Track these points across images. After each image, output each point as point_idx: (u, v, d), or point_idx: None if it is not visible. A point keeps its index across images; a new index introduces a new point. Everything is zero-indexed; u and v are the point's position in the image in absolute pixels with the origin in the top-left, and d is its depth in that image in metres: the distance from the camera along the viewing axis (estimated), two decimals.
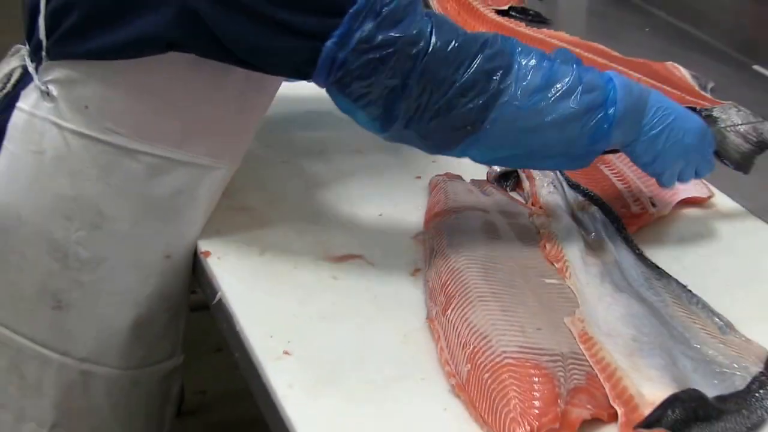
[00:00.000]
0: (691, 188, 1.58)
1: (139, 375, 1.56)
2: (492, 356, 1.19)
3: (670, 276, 1.40)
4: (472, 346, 1.21)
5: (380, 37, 1.27)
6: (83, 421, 1.57)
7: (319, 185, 1.64)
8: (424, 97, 1.29)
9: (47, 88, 1.42)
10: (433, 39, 1.28)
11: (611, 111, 1.34)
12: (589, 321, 1.27)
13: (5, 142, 1.46)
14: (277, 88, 1.51)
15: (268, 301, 1.36)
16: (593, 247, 1.42)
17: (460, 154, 1.37)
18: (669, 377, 1.18)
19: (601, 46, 2.08)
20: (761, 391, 1.19)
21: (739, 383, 1.19)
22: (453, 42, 1.29)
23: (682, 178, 1.46)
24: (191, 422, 2.73)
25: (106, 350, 1.52)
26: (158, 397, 1.62)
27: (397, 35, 1.27)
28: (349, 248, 1.47)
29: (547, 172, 1.53)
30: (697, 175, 1.48)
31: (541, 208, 1.52)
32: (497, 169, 1.60)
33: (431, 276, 1.38)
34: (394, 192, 1.61)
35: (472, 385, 1.18)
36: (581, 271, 1.37)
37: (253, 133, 1.53)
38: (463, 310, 1.27)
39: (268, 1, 1.27)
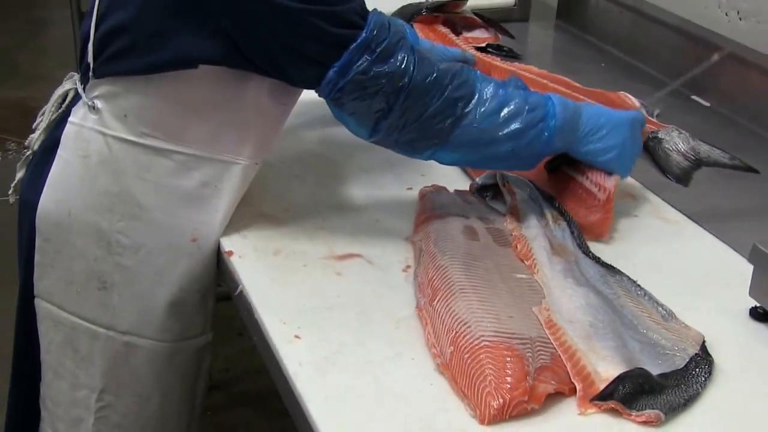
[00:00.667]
0: None
1: (176, 348, 1.56)
2: (471, 340, 1.19)
3: (622, 273, 1.39)
4: (454, 332, 1.21)
5: (374, 70, 1.34)
6: (127, 388, 1.57)
7: (325, 195, 1.63)
8: (403, 119, 1.37)
9: (93, 102, 1.45)
10: (415, 73, 1.35)
11: (552, 123, 1.43)
12: (554, 310, 1.27)
13: (59, 151, 1.48)
14: (296, 99, 1.51)
15: (281, 293, 1.36)
16: (557, 249, 1.42)
17: (428, 158, 1.46)
18: (620, 357, 1.18)
19: (565, 78, 2.08)
20: (697, 369, 1.19)
21: (679, 362, 1.20)
22: (429, 76, 1.37)
23: (633, 162, 1.54)
24: (217, 395, 2.73)
25: (146, 325, 1.52)
26: (192, 370, 1.61)
27: (387, 70, 1.34)
28: (351, 248, 1.47)
29: (525, 186, 1.54)
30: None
31: (513, 215, 1.52)
32: (479, 181, 1.60)
33: (420, 272, 1.38)
34: (389, 201, 1.61)
35: (454, 364, 1.18)
36: (547, 267, 1.37)
37: (274, 135, 1.52)
38: (447, 301, 1.27)
39: (287, 27, 1.32)
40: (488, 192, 1.59)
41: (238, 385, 2.83)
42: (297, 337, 1.26)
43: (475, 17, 2.36)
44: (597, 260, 1.41)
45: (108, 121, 1.44)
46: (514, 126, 1.41)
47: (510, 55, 2.25)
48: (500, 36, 2.34)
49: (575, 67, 2.22)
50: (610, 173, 1.51)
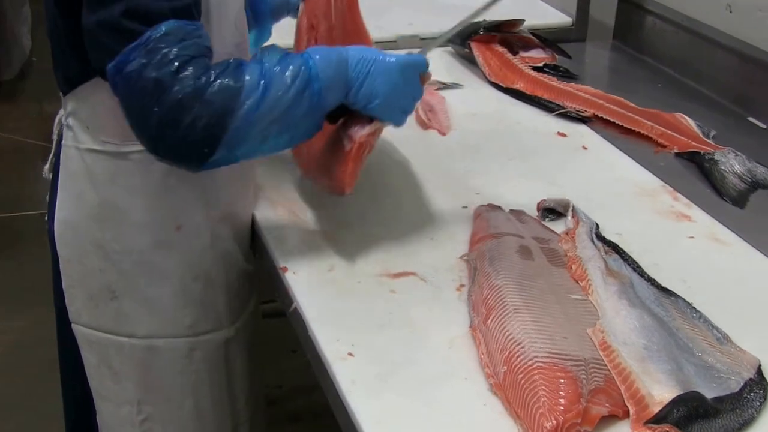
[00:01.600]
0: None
1: (194, 342, 1.57)
2: (525, 360, 1.19)
3: (677, 294, 1.39)
4: (508, 351, 1.21)
5: (152, 74, 1.25)
6: (160, 394, 1.59)
7: (380, 213, 1.64)
8: (170, 130, 1.29)
9: (66, 120, 1.49)
10: (177, 86, 1.26)
11: (316, 87, 1.35)
12: (608, 331, 1.26)
13: (60, 172, 1.52)
14: None
15: (335, 310, 1.37)
16: (612, 270, 1.42)
17: (207, 168, 1.35)
18: (675, 380, 1.17)
19: (621, 99, 2.07)
20: (752, 394, 1.18)
21: (734, 386, 1.19)
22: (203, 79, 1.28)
23: (406, 110, 1.47)
24: (270, 411, 2.73)
25: (160, 324, 1.55)
26: (219, 366, 1.62)
27: (156, 76, 1.26)
28: (405, 267, 1.47)
29: (592, 223, 1.55)
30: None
31: (568, 234, 1.52)
32: (546, 204, 1.61)
33: (474, 291, 1.38)
34: (444, 219, 1.61)
35: (507, 385, 1.18)
36: (602, 288, 1.36)
37: None
38: (501, 320, 1.27)
39: (94, 13, 1.29)
40: (552, 216, 1.60)
41: (291, 401, 2.83)
42: (350, 354, 1.26)
43: (532, 37, 2.36)
44: (652, 282, 1.41)
45: (79, 135, 1.48)
46: (285, 104, 1.33)
47: (566, 75, 2.25)
48: (557, 56, 2.34)
49: (631, 87, 2.21)
50: (368, 122, 1.44)
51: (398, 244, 1.53)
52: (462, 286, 1.43)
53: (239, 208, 1.60)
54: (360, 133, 1.44)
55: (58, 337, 1.67)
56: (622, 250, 1.49)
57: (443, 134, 1.97)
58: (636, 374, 1.18)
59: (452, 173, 1.78)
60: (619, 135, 1.97)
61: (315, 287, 1.42)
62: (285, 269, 1.47)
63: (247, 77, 1.31)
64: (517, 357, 1.19)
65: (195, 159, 1.32)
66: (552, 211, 1.62)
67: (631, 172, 1.82)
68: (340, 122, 1.48)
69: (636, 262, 1.46)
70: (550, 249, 1.48)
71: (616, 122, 2.00)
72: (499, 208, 1.63)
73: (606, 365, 1.20)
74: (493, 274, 1.38)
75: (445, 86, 2.21)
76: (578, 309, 1.32)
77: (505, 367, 1.19)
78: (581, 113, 2.04)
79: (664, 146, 1.91)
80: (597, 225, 1.55)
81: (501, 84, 2.21)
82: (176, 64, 1.26)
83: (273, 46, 1.40)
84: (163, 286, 1.53)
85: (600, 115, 2.03)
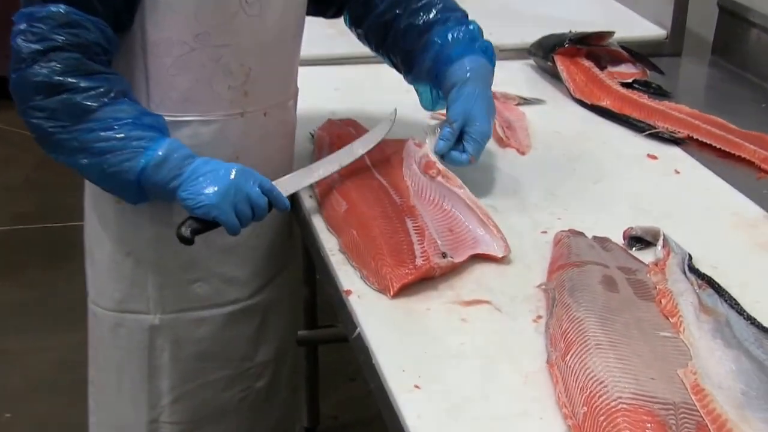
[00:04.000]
0: (488, 245, 1.55)
1: (120, 318, 1.74)
2: (607, 401, 1.17)
3: None
4: (589, 391, 1.19)
5: (21, 45, 1.45)
6: (96, 360, 1.83)
7: None
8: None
9: None
10: (32, 69, 1.45)
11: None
12: (701, 373, 1.23)
13: None
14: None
15: (402, 338, 1.36)
16: (706, 306, 1.39)
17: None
18: None
19: (719, 119, 2.04)
20: None
21: None
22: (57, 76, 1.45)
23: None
24: None
25: (101, 291, 1.76)
26: (141, 353, 1.75)
27: (22, 48, 1.45)
28: (478, 294, 1.46)
29: (685, 254, 1.52)
30: None
31: (657, 265, 1.49)
32: (634, 232, 1.59)
33: (552, 323, 1.36)
34: (521, 245, 1.59)
35: (588, 427, 1.16)
36: (695, 326, 1.34)
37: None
38: (581, 356, 1.26)
39: None
40: (639, 244, 1.59)
41: None
42: (417, 386, 1.25)
43: (621, 51, 2.35)
44: (751, 320, 1.37)
45: None
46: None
47: (659, 92, 2.23)
48: (648, 72, 2.32)
49: (732, 108, 2.18)
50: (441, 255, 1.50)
51: (471, 270, 1.52)
52: (539, 317, 1.41)
53: None
54: (436, 261, 1.47)
55: None
56: (718, 284, 1.46)
57: (522, 153, 1.96)
58: (733, 422, 1.15)
59: (531, 196, 1.77)
60: (716, 159, 1.95)
61: (380, 313, 1.42)
62: (349, 292, 1.46)
63: (98, 113, 1.46)
64: (599, 397, 1.17)
65: (36, 140, 1.50)
66: (640, 239, 1.60)
67: (729, 199, 1.80)
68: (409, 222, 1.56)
69: (734, 299, 1.43)
70: (637, 280, 1.46)
71: (714, 145, 1.98)
72: (581, 234, 1.61)
73: (698, 410, 1.17)
74: (574, 305, 1.36)
75: (526, 102, 2.20)
76: (667, 347, 1.30)
77: (585, 408, 1.17)
78: (674, 134, 2.02)
79: (767, 172, 1.88)
80: (690, 256, 1.53)
81: (586, 101, 2.20)
82: (40, 47, 1.44)
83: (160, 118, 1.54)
84: (102, 252, 1.73)
85: (695, 137, 2.01)
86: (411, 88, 1.85)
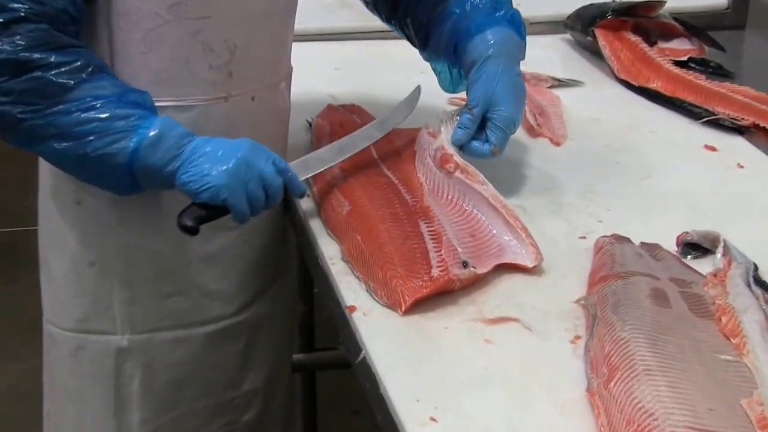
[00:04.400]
0: (516, 252, 1.57)
1: (81, 340, 1.75)
2: None
3: None
4: (636, 424, 1.19)
5: None
6: (54, 391, 1.84)
7: None
8: None
9: None
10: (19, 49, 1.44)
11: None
12: None
13: None
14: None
15: (415, 362, 1.37)
16: None
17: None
18: None
19: None
20: None
21: None
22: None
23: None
24: None
25: (58, 309, 1.77)
26: (107, 381, 1.75)
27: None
28: (504, 311, 1.47)
29: (749, 263, 1.53)
30: None
31: (716, 276, 1.50)
32: (689, 238, 1.60)
33: (593, 345, 1.37)
34: (556, 253, 1.60)
35: None
36: (761, 348, 1.34)
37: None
38: (627, 384, 1.26)
39: None
40: (695, 252, 1.59)
41: None
42: (433, 419, 1.26)
43: (674, 23, 2.36)
44: None
45: None
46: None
47: (718, 72, 2.24)
48: (706, 48, 2.33)
49: None
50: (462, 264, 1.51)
51: (497, 283, 1.53)
52: (577, 337, 1.42)
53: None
54: (455, 272, 1.48)
55: None
56: None
57: (557, 144, 1.97)
58: None
59: (567, 194, 1.78)
60: None
61: (390, 332, 1.42)
62: (353, 309, 1.47)
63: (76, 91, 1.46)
64: (649, 431, 1.17)
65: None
66: (696, 246, 1.61)
67: None
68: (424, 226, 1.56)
69: None
70: (692, 294, 1.46)
71: None
72: (627, 240, 1.62)
73: None
74: (619, 324, 1.37)
75: (561, 83, 2.22)
76: (728, 373, 1.30)
77: None
78: (737, 122, 2.03)
79: None
80: (756, 266, 1.53)
81: (633, 82, 2.21)
82: (5, 17, 1.43)
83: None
84: (61, 265, 1.74)
85: (761, 125, 2.01)
86: (426, 67, 1.86)
